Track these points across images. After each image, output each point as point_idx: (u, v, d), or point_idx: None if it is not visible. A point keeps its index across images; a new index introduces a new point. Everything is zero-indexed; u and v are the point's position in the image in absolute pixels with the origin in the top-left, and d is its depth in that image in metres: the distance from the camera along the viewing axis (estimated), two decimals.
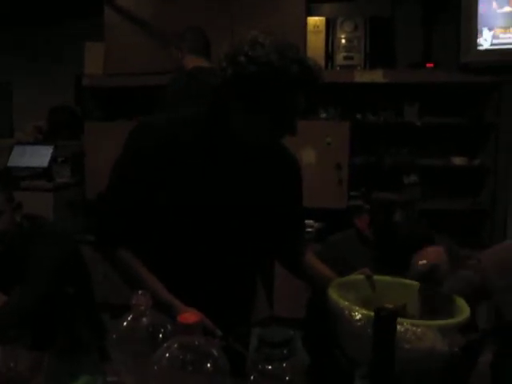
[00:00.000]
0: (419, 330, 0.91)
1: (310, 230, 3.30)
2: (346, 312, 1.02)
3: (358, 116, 3.38)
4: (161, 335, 0.81)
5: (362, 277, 1.23)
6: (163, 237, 1.25)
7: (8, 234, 1.60)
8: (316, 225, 3.30)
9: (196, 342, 0.71)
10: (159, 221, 1.23)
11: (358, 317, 0.99)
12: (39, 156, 3.64)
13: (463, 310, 1.07)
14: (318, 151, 3.26)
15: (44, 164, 3.58)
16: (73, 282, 1.58)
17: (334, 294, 1.11)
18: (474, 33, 2.99)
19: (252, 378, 0.77)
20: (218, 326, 1.09)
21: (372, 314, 0.97)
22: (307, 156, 3.25)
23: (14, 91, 4.17)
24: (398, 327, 0.95)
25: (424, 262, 1.13)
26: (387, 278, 1.24)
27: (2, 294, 1.56)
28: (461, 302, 1.11)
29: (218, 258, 1.25)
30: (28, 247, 1.61)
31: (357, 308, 1.01)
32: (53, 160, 3.58)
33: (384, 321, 0.70)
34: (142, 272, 1.20)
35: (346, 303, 1.05)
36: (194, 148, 1.20)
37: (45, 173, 3.54)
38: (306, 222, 3.29)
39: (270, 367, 0.77)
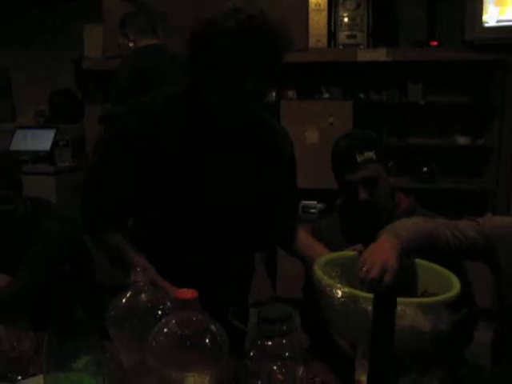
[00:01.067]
0: (399, 308, 0.91)
1: (312, 210, 3.30)
2: (328, 289, 1.01)
3: (361, 95, 3.35)
4: (160, 312, 0.81)
5: (352, 253, 1.21)
6: (153, 218, 1.25)
7: (15, 213, 1.62)
8: (319, 206, 3.29)
9: (194, 318, 0.71)
10: (147, 204, 1.22)
11: (340, 294, 0.98)
12: (41, 140, 3.63)
13: (453, 286, 1.05)
14: (320, 131, 3.23)
15: (46, 148, 3.58)
16: (74, 262, 1.59)
17: (318, 271, 1.09)
18: (479, 9, 2.94)
19: (251, 354, 0.78)
20: (214, 306, 1.08)
21: (355, 291, 0.98)
22: (310, 136, 3.23)
23: (15, 75, 4.14)
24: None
25: (365, 269, 1.09)
26: None
27: (5, 275, 1.58)
28: (452, 277, 1.09)
29: (212, 239, 1.25)
30: (32, 228, 1.62)
31: (339, 285, 1.00)
32: (55, 144, 3.57)
33: (383, 298, 0.69)
34: (130, 254, 1.19)
35: (329, 280, 1.04)
36: (178, 133, 1.18)
37: (47, 156, 3.54)
38: (309, 202, 3.28)
39: (269, 343, 0.77)
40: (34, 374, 1.14)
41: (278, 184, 1.32)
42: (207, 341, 0.71)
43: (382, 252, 1.11)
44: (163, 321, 0.73)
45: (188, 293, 0.71)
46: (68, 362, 0.94)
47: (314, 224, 1.65)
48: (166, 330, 0.71)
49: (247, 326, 1.35)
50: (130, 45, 2.54)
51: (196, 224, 1.23)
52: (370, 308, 0.78)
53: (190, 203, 1.21)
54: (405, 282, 1.16)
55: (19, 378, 1.14)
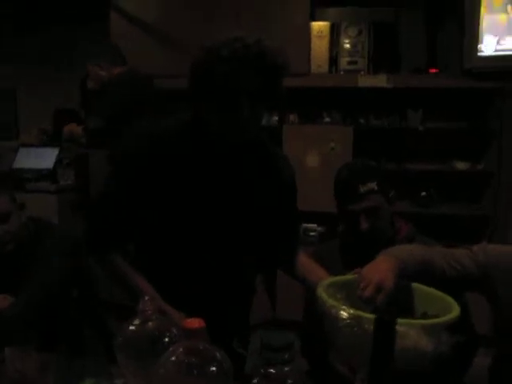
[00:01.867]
0: (401, 328, 0.92)
1: (312, 233, 3.32)
2: (333, 311, 1.02)
3: (362, 121, 3.40)
4: (167, 339, 0.83)
5: (354, 276, 1.23)
6: (155, 241, 1.27)
7: (17, 235, 1.63)
8: (319, 229, 3.31)
9: (201, 347, 0.72)
10: (152, 226, 1.25)
11: (345, 316, 0.99)
12: (44, 158, 3.67)
13: (453, 309, 1.07)
14: (321, 155, 3.27)
15: (49, 166, 3.61)
16: (78, 283, 1.60)
17: (322, 293, 1.10)
18: (476, 39, 3.01)
19: (255, 381, 0.79)
20: (215, 329, 1.09)
21: (359, 313, 0.99)
22: (311, 160, 3.27)
23: (20, 94, 4.20)
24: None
25: (362, 286, 1.12)
26: None
27: (8, 295, 1.59)
28: (450, 301, 1.11)
29: (213, 261, 1.27)
30: (34, 249, 1.63)
31: (343, 307, 1.01)
32: (58, 162, 3.61)
33: (384, 324, 0.71)
34: (135, 278, 1.22)
35: (334, 302, 1.05)
36: (184, 158, 1.22)
37: (49, 175, 3.57)
38: (309, 225, 3.30)
39: (272, 371, 0.79)
40: None
41: (279, 207, 1.35)
42: (213, 369, 0.72)
43: (380, 271, 1.14)
44: (171, 349, 0.74)
45: (195, 322, 0.73)
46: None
47: (315, 248, 1.67)
48: (173, 358, 0.72)
49: (247, 351, 1.36)
50: (104, 74, 2.75)
51: (198, 246, 1.25)
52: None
53: (194, 225, 1.24)
54: (402, 302, 1.17)
55: None
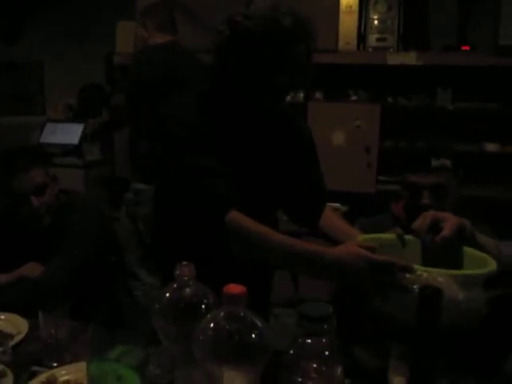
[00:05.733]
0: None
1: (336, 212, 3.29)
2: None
3: (389, 99, 3.33)
4: (203, 306, 0.83)
5: (391, 236, 1.19)
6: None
7: (52, 206, 1.65)
8: (343, 208, 3.28)
9: (242, 313, 0.72)
10: None
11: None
12: (70, 133, 3.70)
13: (489, 264, 1.02)
14: (347, 134, 3.22)
15: (75, 141, 3.65)
16: (110, 253, 1.62)
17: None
18: None
19: (291, 351, 0.79)
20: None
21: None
22: (337, 138, 3.23)
23: (46, 69, 4.23)
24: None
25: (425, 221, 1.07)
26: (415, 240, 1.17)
27: (38, 264, 1.62)
28: (487, 258, 1.06)
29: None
30: (66, 220, 1.65)
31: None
32: (83, 137, 3.64)
33: (428, 298, 0.70)
34: (270, 232, 1.12)
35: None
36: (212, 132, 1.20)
37: (75, 150, 3.60)
38: (333, 204, 3.27)
39: (309, 341, 0.78)
40: (70, 362, 1.17)
41: (303, 164, 1.39)
42: (254, 336, 0.72)
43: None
44: (210, 315, 0.74)
45: (236, 288, 0.73)
46: (107, 352, 0.96)
47: (360, 222, 1.64)
48: (213, 323, 0.72)
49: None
50: (146, 37, 2.57)
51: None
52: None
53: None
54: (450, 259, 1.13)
55: (55, 364, 1.17)
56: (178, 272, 0.84)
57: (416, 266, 0.95)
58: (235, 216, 1.11)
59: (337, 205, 3.27)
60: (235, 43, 1.13)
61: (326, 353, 0.78)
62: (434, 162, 1.38)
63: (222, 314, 0.73)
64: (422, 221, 1.07)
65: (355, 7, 3.26)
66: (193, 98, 1.25)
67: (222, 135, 1.21)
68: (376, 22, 3.26)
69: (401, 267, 0.96)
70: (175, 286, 0.85)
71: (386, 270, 0.98)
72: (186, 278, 0.84)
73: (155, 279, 1.95)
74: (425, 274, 0.93)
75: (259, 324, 0.74)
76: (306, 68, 1.17)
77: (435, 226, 1.06)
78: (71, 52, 4.04)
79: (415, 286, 0.92)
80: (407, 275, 0.95)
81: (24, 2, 4.04)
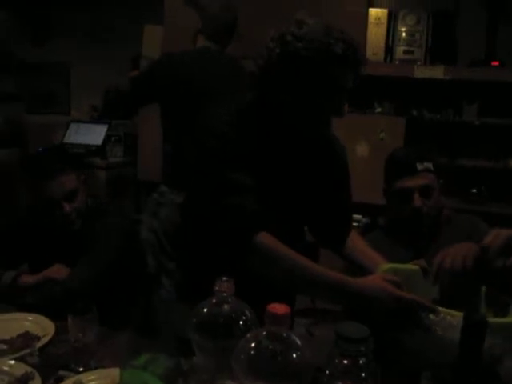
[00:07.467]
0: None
1: (356, 224, 3.27)
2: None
3: (414, 112, 3.30)
4: (241, 322, 0.82)
5: (414, 267, 1.21)
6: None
7: (81, 212, 1.66)
8: (364, 220, 3.26)
9: (284, 334, 0.72)
10: None
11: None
12: (94, 134, 3.74)
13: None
14: (371, 145, 3.21)
15: (98, 142, 3.68)
16: (134, 261, 1.63)
17: None
18: None
19: (327, 372, 0.78)
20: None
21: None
22: (360, 149, 3.21)
23: (73, 70, 4.28)
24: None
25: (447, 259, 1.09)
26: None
27: (65, 267, 1.62)
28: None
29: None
30: (94, 224, 1.66)
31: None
32: (107, 139, 3.67)
33: (473, 328, 0.68)
34: (298, 258, 1.11)
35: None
36: (248, 144, 1.19)
37: (98, 151, 3.64)
38: (355, 216, 3.25)
39: (345, 362, 0.78)
40: (95, 368, 1.18)
41: (336, 186, 1.39)
42: (295, 356, 0.72)
43: (461, 248, 1.12)
44: (251, 333, 0.74)
45: (280, 308, 0.72)
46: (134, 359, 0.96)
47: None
48: (254, 342, 0.72)
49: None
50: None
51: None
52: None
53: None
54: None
55: (80, 369, 1.17)
56: (217, 288, 0.84)
57: (440, 309, 0.96)
58: (264, 237, 1.10)
59: (358, 216, 3.25)
60: (283, 63, 1.12)
61: (363, 374, 0.77)
62: (419, 166, 1.46)
63: (264, 333, 0.73)
64: (494, 239, 1.04)
65: (384, 19, 3.25)
66: (231, 110, 1.24)
67: (256, 151, 1.20)
68: (404, 34, 3.25)
69: (426, 308, 0.98)
70: (214, 301, 0.85)
71: (413, 309, 0.99)
72: (224, 293, 0.84)
73: (171, 281, 1.92)
74: (448, 317, 0.93)
75: (300, 344, 0.73)
76: (350, 93, 1.16)
77: (508, 248, 1.03)
78: (97, 54, 4.09)
79: (438, 328, 0.93)
80: (431, 316, 0.97)
81: (52, 6, 4.11)
